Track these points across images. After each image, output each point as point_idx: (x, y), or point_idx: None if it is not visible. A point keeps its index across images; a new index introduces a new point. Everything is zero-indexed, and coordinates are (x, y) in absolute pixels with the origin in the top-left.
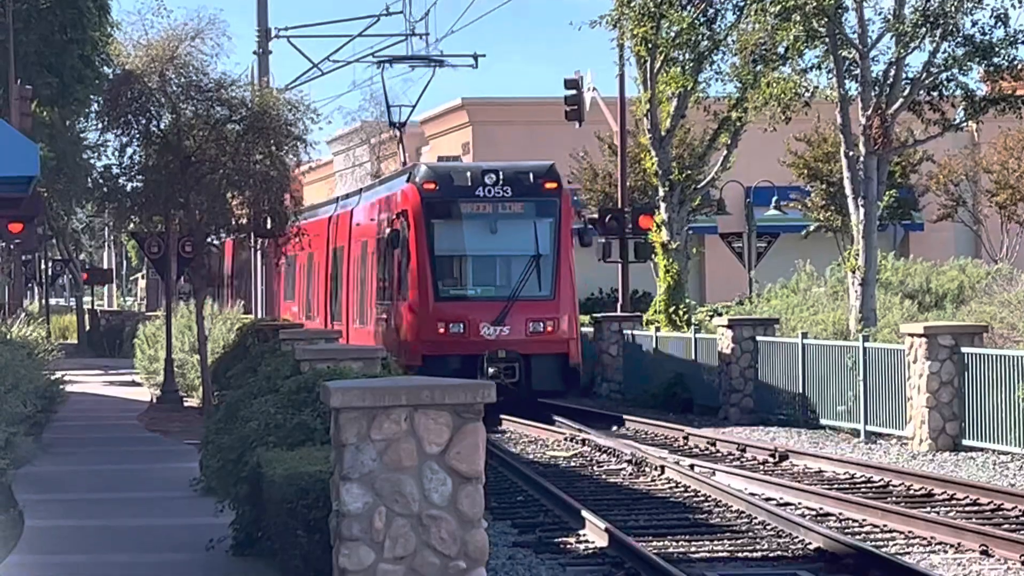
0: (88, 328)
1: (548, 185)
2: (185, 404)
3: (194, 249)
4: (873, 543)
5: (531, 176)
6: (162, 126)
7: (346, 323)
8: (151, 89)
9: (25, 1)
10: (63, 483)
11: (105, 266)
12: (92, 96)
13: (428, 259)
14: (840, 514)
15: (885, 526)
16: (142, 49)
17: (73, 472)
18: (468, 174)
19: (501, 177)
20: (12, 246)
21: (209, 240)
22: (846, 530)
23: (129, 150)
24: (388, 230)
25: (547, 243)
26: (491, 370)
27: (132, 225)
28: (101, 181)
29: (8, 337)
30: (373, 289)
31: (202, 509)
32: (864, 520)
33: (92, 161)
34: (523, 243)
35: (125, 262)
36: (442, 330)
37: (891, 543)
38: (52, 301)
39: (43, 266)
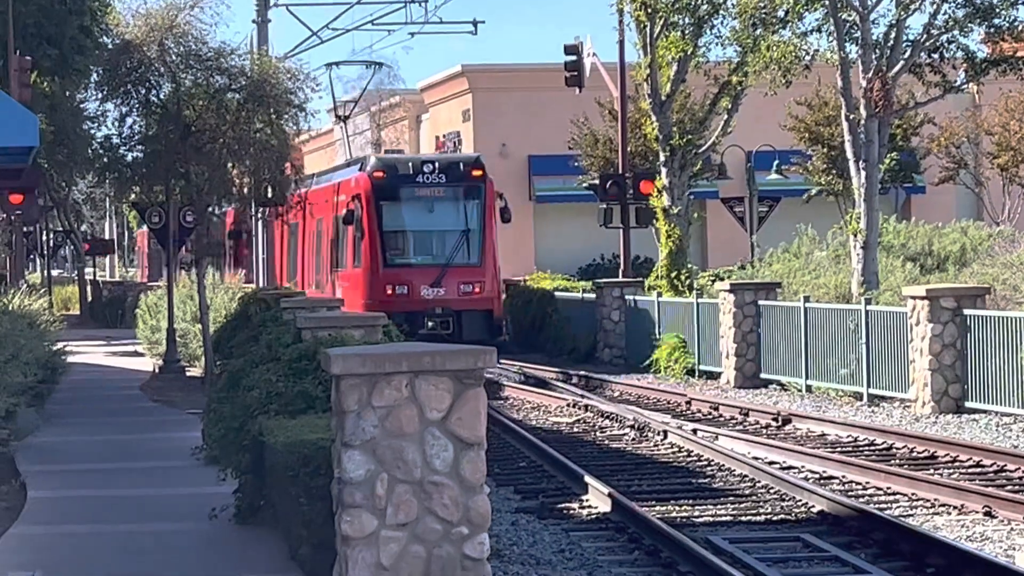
0: (90, 299)
1: (475, 173)
2: (187, 374)
3: (195, 219)
4: (877, 505)
5: (461, 166)
6: (162, 96)
7: (302, 286)
8: (150, 59)
9: None
10: (66, 454)
11: (106, 237)
12: (92, 66)
13: (378, 234)
14: (843, 477)
15: (889, 488)
16: (141, 19)
17: (76, 442)
18: (410, 164)
19: (437, 167)
20: (13, 217)
21: (210, 209)
22: (849, 493)
23: (129, 120)
24: (344, 210)
25: (474, 220)
26: (430, 324)
27: (133, 195)
28: (101, 151)
29: (9, 308)
30: (331, 258)
31: (205, 478)
32: (867, 483)
33: (92, 132)
34: (454, 220)
35: (127, 232)
36: (390, 292)
37: (895, 505)
38: (54, 272)
39: (44, 237)
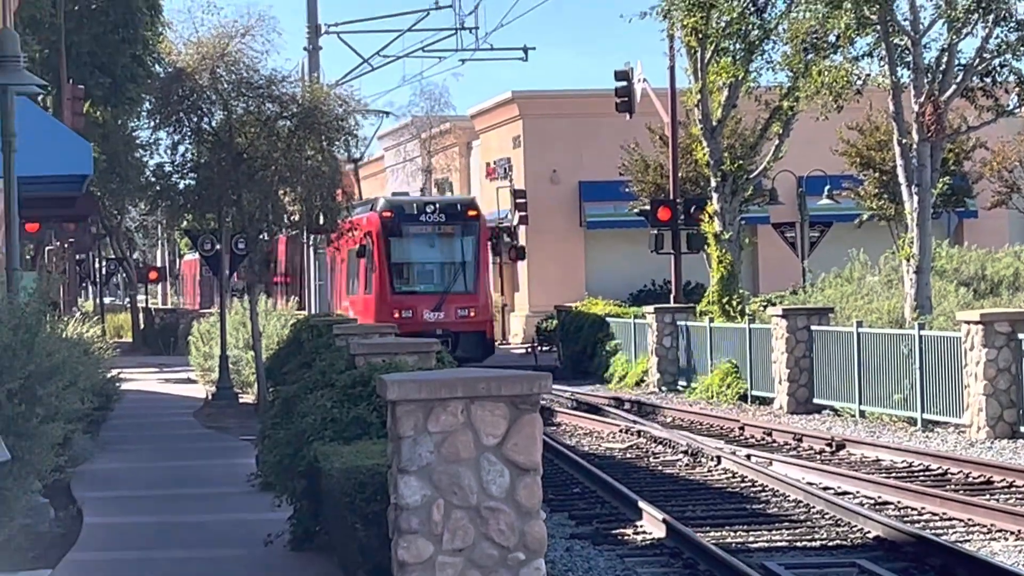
0: (143, 326)
1: (470, 213)
2: (240, 400)
3: (247, 246)
4: (933, 531)
5: (459, 206)
6: (214, 123)
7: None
8: (202, 87)
9: (77, 2)
10: (120, 480)
11: (158, 264)
12: (144, 95)
13: (386, 265)
14: (898, 502)
15: (944, 514)
16: (193, 47)
17: (130, 469)
18: (414, 205)
19: (437, 207)
20: (66, 245)
21: (261, 236)
22: (905, 518)
23: (181, 148)
24: (357, 245)
25: (470, 254)
26: None
27: (185, 223)
28: (154, 179)
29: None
30: (346, 285)
31: (260, 504)
32: (923, 508)
33: (144, 159)
34: (453, 254)
35: (178, 260)
36: (396, 315)
37: (950, 531)
38: (106, 300)
39: (97, 265)
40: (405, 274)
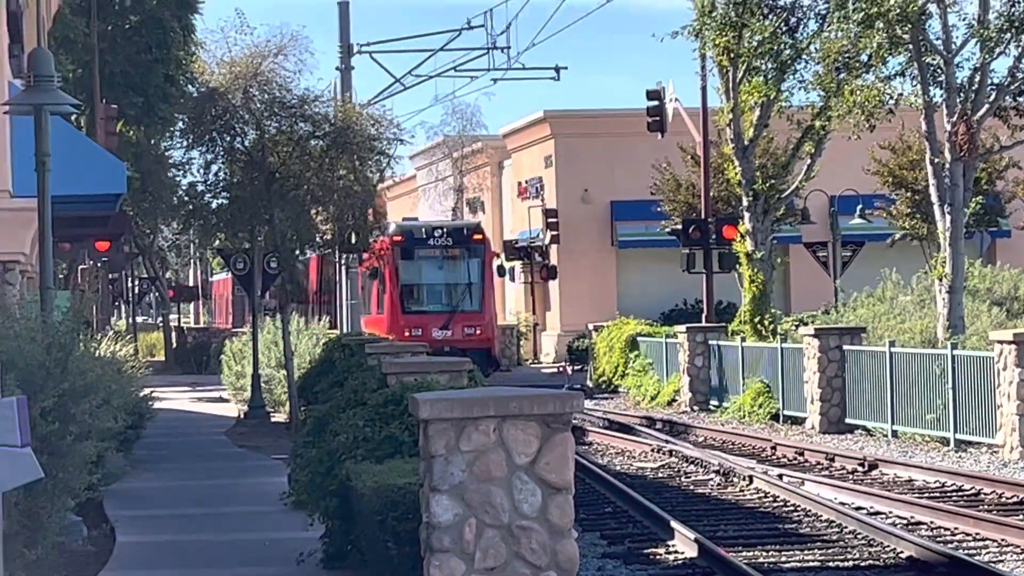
0: (175, 345)
1: (476, 236)
2: (272, 419)
3: (279, 265)
4: (966, 551)
5: (465, 231)
6: (246, 143)
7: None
8: (235, 106)
9: (110, 22)
10: (153, 499)
11: (191, 283)
12: (177, 114)
13: (397, 287)
14: (931, 523)
15: (978, 534)
16: (226, 67)
17: (163, 488)
18: (423, 229)
19: (445, 231)
20: (99, 264)
21: (294, 256)
22: (938, 539)
23: (214, 167)
24: (370, 267)
25: (476, 275)
26: None
27: (217, 242)
28: (186, 199)
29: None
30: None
31: (292, 523)
32: (956, 528)
33: (177, 179)
34: (460, 275)
35: (210, 279)
36: (407, 333)
37: (984, 551)
38: (139, 318)
39: (129, 284)
40: (415, 294)
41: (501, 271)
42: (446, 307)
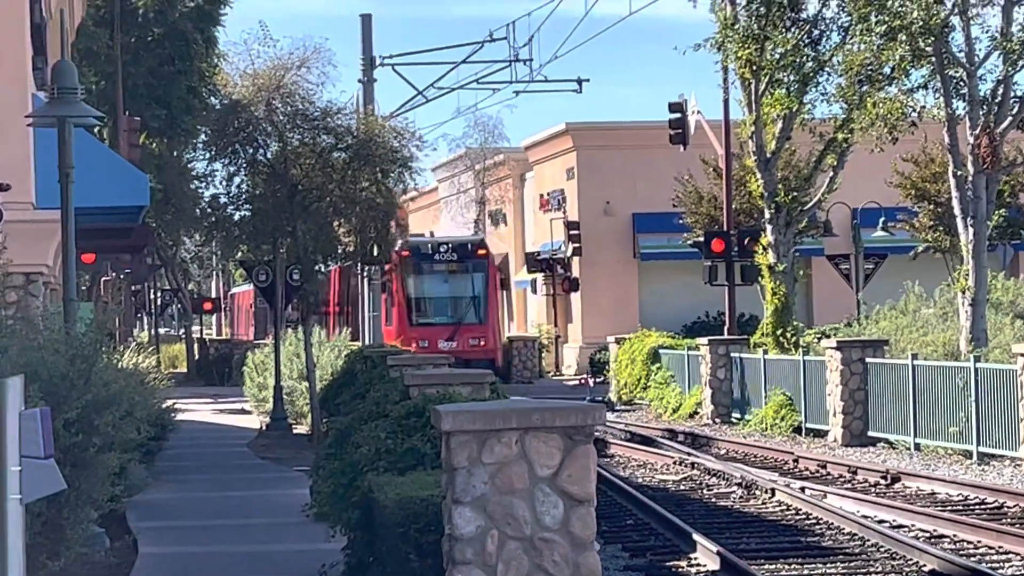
0: (197, 357)
1: (480, 252)
2: (294, 431)
3: (301, 277)
4: (989, 564)
5: (469, 246)
6: (269, 155)
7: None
8: (258, 118)
9: (134, 34)
10: (175, 510)
11: (213, 295)
12: (199, 126)
13: (404, 300)
14: (954, 536)
15: (1000, 548)
16: (248, 79)
17: (185, 499)
18: (429, 245)
19: (451, 247)
20: (122, 276)
21: (316, 268)
22: (961, 552)
23: (236, 179)
24: (381, 281)
25: (480, 289)
26: None
27: (240, 254)
28: (209, 210)
29: (120, 365)
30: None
31: (314, 535)
32: (979, 542)
33: (200, 191)
34: (464, 289)
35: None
36: (414, 345)
37: (1007, 565)
38: (161, 330)
39: (152, 296)
40: (421, 307)
41: (504, 286)
42: (451, 319)
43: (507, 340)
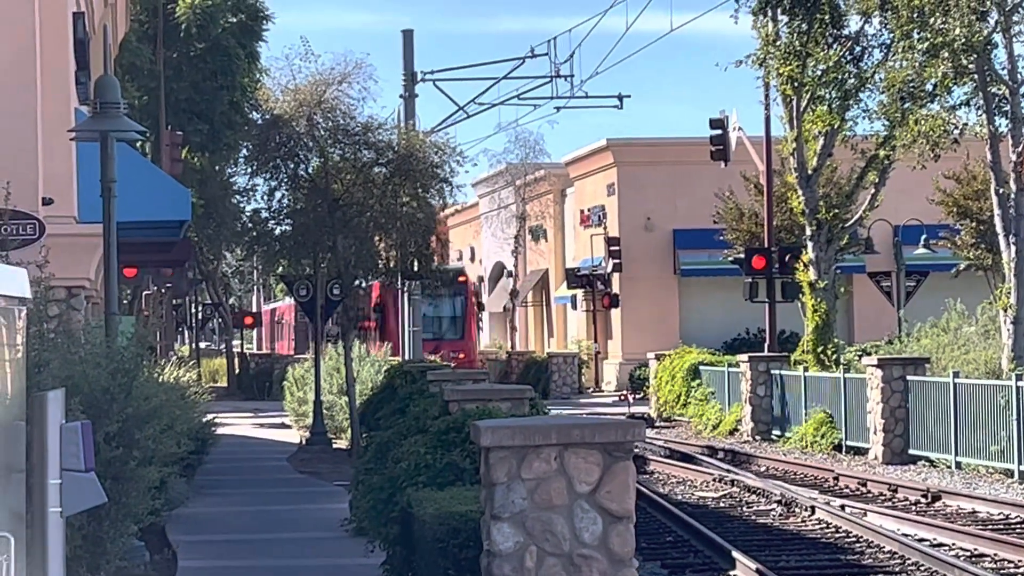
0: (238, 371)
1: (460, 279)
2: (334, 446)
3: (342, 292)
4: None
5: (451, 274)
6: (310, 170)
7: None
8: (299, 133)
9: (176, 49)
10: (215, 524)
11: (254, 309)
12: (241, 141)
13: (396, 319)
14: (995, 555)
15: None
16: (290, 94)
17: (225, 513)
18: None
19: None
20: (163, 290)
21: (356, 283)
22: (1002, 571)
23: (278, 194)
24: (374, 303)
25: (460, 310)
26: None
27: (281, 268)
28: (250, 225)
29: (161, 380)
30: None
31: (353, 550)
32: (1020, 561)
33: (241, 205)
34: (447, 310)
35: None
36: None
37: None
38: (202, 344)
39: (193, 310)
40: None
41: (481, 307)
42: (435, 335)
43: (546, 355)
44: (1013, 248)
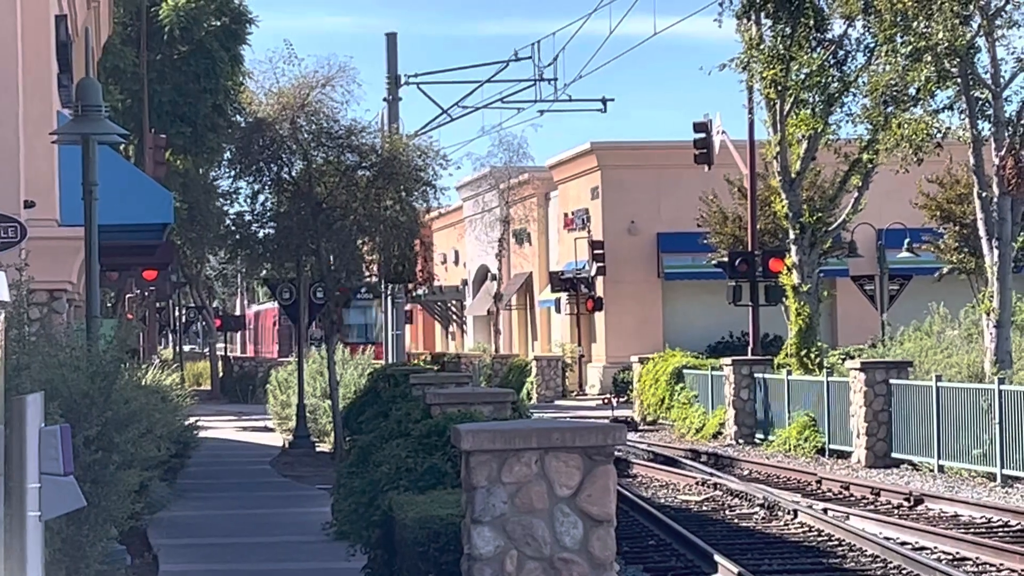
0: (221, 374)
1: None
2: (317, 449)
3: (325, 295)
4: None
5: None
6: (293, 173)
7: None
8: (282, 136)
9: (159, 52)
10: (197, 528)
11: (237, 313)
12: (224, 144)
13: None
14: (977, 559)
15: (1023, 571)
16: (273, 97)
17: (206, 517)
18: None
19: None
20: (146, 293)
21: (340, 286)
22: (983, 574)
23: (261, 197)
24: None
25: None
26: None
27: (264, 272)
28: (233, 228)
29: (142, 383)
30: None
31: (334, 553)
32: (1001, 564)
33: (224, 208)
34: (370, 318)
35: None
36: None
37: None
38: (186, 347)
39: (176, 313)
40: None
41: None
42: (360, 339)
43: (530, 359)
44: (996, 252)
